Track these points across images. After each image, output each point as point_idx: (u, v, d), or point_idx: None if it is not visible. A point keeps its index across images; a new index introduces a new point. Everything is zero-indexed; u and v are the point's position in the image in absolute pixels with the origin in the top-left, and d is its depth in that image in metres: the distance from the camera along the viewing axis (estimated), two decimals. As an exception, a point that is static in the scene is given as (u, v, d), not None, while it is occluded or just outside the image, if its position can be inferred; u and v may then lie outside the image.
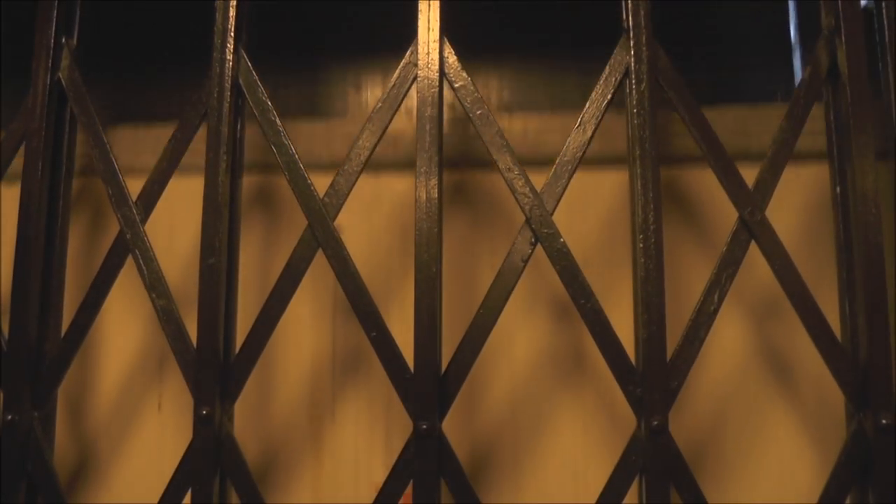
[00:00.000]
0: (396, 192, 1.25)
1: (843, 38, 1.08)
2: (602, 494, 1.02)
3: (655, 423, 1.00)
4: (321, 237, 1.07)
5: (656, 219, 1.03)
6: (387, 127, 1.10)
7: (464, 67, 1.08)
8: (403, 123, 1.24)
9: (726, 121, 1.18)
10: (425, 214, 1.03)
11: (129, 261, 1.11)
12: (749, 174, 1.07)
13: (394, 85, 1.09)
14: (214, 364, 1.05)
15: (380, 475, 1.14)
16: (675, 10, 1.26)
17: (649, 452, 1.00)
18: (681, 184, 1.21)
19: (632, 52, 1.07)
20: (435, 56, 1.08)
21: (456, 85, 1.08)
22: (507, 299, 1.04)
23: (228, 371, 1.06)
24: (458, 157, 1.23)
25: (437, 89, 1.07)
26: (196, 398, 1.05)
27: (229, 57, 1.11)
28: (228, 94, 1.11)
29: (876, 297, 1.02)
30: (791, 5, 1.23)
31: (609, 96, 1.08)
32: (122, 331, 1.26)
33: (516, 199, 1.05)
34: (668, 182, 1.20)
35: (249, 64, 1.12)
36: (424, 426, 1.00)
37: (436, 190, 1.04)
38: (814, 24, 1.17)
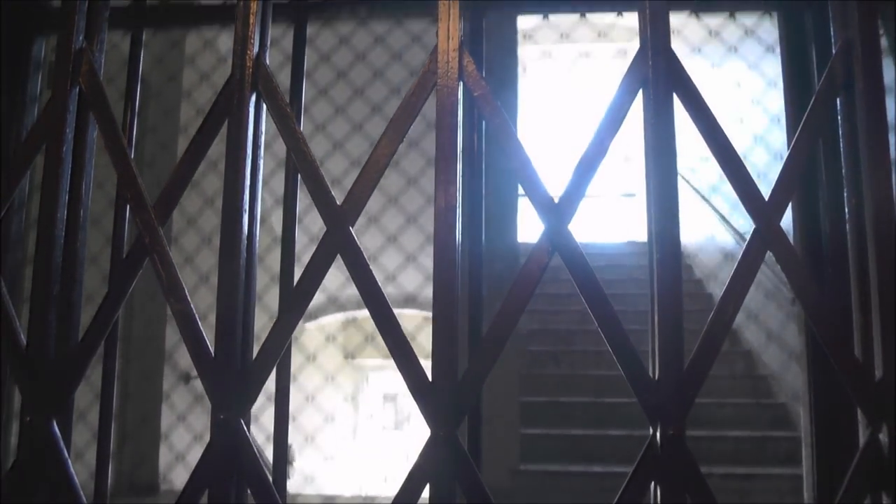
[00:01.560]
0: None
1: (859, 49, 1.09)
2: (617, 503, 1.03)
3: (671, 431, 1.01)
4: (340, 243, 1.08)
5: (672, 228, 1.04)
6: (404, 135, 1.10)
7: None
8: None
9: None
10: (444, 222, 1.04)
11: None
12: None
13: (413, 93, 1.10)
14: (232, 368, 1.05)
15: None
16: None
17: (665, 462, 1.01)
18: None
19: (650, 63, 1.08)
20: (455, 64, 1.08)
21: (476, 93, 1.09)
22: (523, 308, 1.04)
23: (246, 375, 1.07)
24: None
25: (456, 98, 1.08)
26: (214, 402, 1.06)
27: (249, 64, 1.12)
28: (248, 100, 1.11)
29: (890, 310, 1.03)
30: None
31: (626, 106, 1.08)
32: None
33: (534, 207, 1.06)
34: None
35: (269, 70, 1.13)
36: (442, 433, 1.01)
37: (455, 198, 1.05)
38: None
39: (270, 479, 1.07)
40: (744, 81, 4.87)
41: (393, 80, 3.94)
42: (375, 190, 1.08)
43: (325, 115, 3.91)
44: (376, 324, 1.06)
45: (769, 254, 1.07)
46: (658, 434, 1.02)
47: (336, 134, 3.85)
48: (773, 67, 4.07)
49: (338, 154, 3.85)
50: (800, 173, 1.09)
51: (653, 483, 1.03)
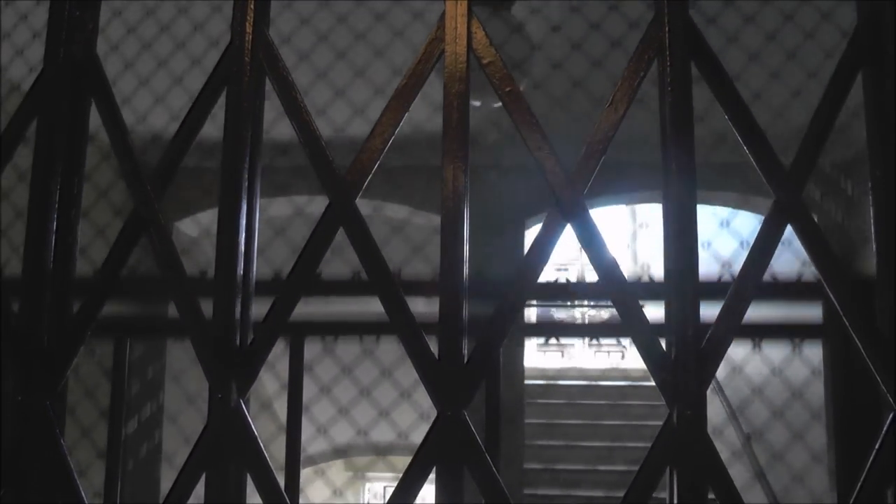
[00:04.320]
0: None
1: (890, 17, 1.04)
2: (630, 489, 0.99)
3: (689, 412, 0.96)
4: (343, 217, 1.03)
5: (689, 198, 1.00)
6: (410, 104, 1.06)
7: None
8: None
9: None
10: (452, 194, 1.00)
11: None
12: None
13: (419, 60, 1.06)
14: (231, 345, 1.01)
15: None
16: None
17: (682, 445, 0.97)
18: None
19: (667, 28, 1.03)
20: (463, 30, 1.04)
21: (484, 61, 1.05)
22: (537, 277, 1.00)
23: (246, 352, 1.03)
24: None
25: (465, 65, 1.03)
26: (212, 381, 1.02)
27: (249, 30, 1.08)
28: (248, 69, 1.07)
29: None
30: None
31: (642, 73, 1.04)
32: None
33: (546, 178, 1.02)
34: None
35: (270, 38, 1.09)
36: (449, 414, 0.97)
37: (462, 169, 1.00)
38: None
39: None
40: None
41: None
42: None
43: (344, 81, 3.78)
44: (382, 302, 1.02)
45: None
46: (675, 415, 0.98)
47: (356, 99, 3.71)
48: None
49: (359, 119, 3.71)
50: (821, 144, 1.05)
51: (668, 468, 0.99)
